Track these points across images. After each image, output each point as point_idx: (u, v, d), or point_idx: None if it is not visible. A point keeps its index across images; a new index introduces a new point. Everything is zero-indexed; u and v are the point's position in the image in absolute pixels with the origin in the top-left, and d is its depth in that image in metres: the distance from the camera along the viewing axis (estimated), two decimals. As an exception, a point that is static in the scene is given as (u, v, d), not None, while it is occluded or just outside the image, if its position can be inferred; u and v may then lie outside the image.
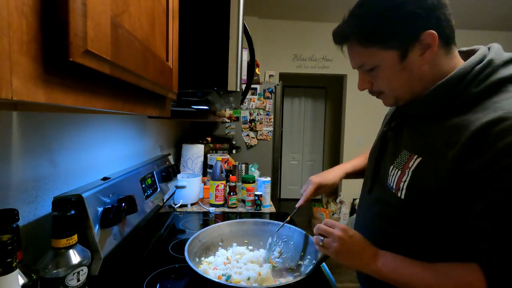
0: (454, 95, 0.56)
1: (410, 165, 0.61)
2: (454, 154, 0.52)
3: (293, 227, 0.95)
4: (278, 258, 0.94)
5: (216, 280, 0.72)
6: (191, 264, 0.74)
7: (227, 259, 0.88)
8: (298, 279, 0.71)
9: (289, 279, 0.81)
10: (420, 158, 0.59)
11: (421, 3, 0.54)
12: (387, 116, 0.82)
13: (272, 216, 1.49)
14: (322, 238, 0.66)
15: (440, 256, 0.59)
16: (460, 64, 0.59)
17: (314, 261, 0.80)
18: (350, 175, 0.98)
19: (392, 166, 0.66)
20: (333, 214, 3.67)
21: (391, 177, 0.66)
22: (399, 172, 0.63)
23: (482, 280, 0.49)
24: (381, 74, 0.62)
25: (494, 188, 0.48)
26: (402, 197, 0.61)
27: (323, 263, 0.86)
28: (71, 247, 0.49)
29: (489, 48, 0.59)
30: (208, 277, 0.71)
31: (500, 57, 0.55)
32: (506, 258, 0.47)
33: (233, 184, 1.56)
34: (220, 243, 0.98)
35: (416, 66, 0.59)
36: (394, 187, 0.64)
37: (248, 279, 0.77)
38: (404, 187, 0.61)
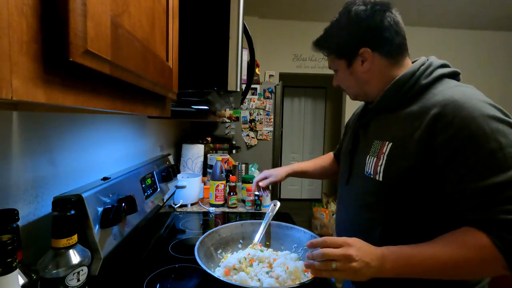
0: (408, 87, 0.70)
1: (384, 151, 0.71)
2: (420, 134, 0.63)
3: (318, 238, 0.91)
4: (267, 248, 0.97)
5: (222, 278, 0.72)
6: (198, 260, 0.74)
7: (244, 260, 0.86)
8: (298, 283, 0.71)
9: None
10: (391, 143, 0.70)
11: (360, 27, 0.72)
12: (353, 116, 1.00)
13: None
14: (334, 266, 0.59)
15: (421, 233, 0.64)
16: (392, 72, 0.75)
17: None
18: (297, 174, 1.21)
19: (368, 156, 0.76)
20: (333, 215, 3.67)
21: (368, 165, 0.75)
22: (375, 158, 0.73)
23: (485, 237, 0.53)
24: (339, 76, 0.83)
25: (462, 157, 0.57)
26: (380, 179, 0.70)
27: None
28: (71, 247, 0.49)
29: (427, 58, 0.75)
30: (214, 274, 0.70)
31: (436, 61, 0.73)
32: (492, 209, 0.54)
33: (233, 184, 1.56)
34: (241, 241, 0.99)
35: (359, 72, 0.77)
36: (372, 172, 0.73)
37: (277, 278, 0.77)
38: (381, 170, 0.70)
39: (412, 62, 0.76)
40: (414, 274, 0.58)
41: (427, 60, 0.73)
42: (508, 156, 0.54)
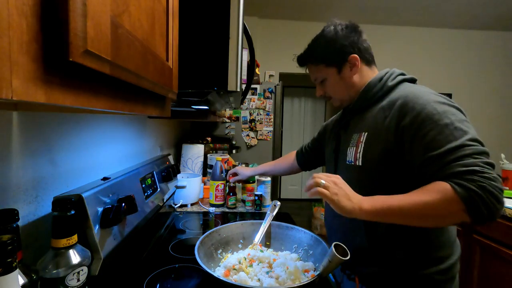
0: (378, 88, 0.85)
1: (361, 140, 0.83)
2: (389, 120, 0.77)
3: (319, 238, 0.90)
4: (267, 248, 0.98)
5: (222, 278, 0.72)
6: (198, 259, 0.74)
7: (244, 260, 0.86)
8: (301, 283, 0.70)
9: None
10: (367, 133, 0.82)
11: (346, 39, 0.87)
12: (331, 122, 1.14)
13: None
14: (324, 182, 0.72)
15: None
16: (368, 76, 0.91)
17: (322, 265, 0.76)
18: (268, 174, 1.46)
19: (348, 148, 0.88)
20: (333, 214, 3.67)
21: (349, 155, 0.87)
22: (354, 148, 0.85)
23: (446, 184, 0.63)
24: (328, 84, 0.92)
25: (424, 131, 0.70)
26: (360, 164, 0.81)
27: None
28: (71, 247, 0.49)
29: (389, 69, 0.90)
30: (214, 274, 0.70)
31: (396, 70, 0.89)
32: (450, 166, 0.65)
33: (233, 184, 1.56)
34: (241, 241, 0.99)
35: (348, 77, 0.89)
36: (352, 160, 0.85)
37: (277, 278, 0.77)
38: (360, 156, 0.82)
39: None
40: (389, 215, 0.68)
41: (390, 70, 0.90)
42: (457, 128, 0.67)
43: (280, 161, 1.42)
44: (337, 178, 0.74)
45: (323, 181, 0.72)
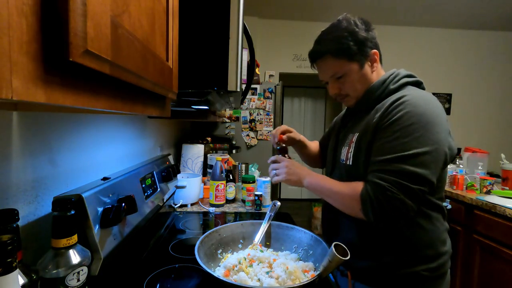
0: (380, 92, 0.84)
1: (353, 140, 0.85)
2: (374, 121, 0.79)
3: (319, 239, 0.91)
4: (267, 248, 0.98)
5: (222, 278, 0.71)
6: (199, 259, 0.74)
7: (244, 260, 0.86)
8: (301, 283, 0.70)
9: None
10: (358, 133, 0.84)
11: (367, 33, 0.83)
12: (339, 119, 1.12)
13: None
14: (275, 171, 0.96)
15: None
16: (382, 75, 0.90)
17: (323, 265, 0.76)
18: (302, 145, 1.20)
19: (343, 147, 0.91)
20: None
21: (342, 154, 0.90)
22: (347, 147, 0.88)
23: (362, 186, 0.76)
24: (348, 80, 0.86)
25: (381, 135, 0.76)
26: (350, 163, 0.85)
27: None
28: (71, 247, 0.49)
29: (396, 70, 0.89)
30: (214, 274, 0.70)
31: (403, 72, 0.87)
32: (375, 174, 0.74)
33: (283, 145, 1.12)
34: (241, 241, 0.99)
35: (368, 74, 0.86)
36: (344, 159, 0.88)
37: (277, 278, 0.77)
38: (351, 156, 0.85)
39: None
40: (317, 192, 0.87)
41: (396, 71, 0.88)
42: (404, 143, 0.72)
43: (316, 146, 1.25)
44: (286, 161, 0.95)
45: (274, 171, 0.96)
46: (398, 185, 0.70)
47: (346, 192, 0.79)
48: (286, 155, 1.05)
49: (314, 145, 1.25)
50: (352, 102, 0.91)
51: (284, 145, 1.09)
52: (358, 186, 0.77)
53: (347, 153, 0.87)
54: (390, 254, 0.80)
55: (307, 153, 1.22)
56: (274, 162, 0.99)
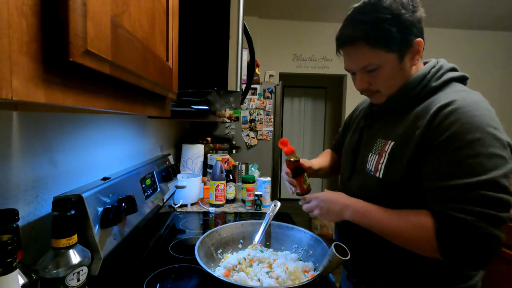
0: (419, 89, 0.70)
1: (386, 149, 0.72)
2: (419, 133, 0.65)
3: (319, 239, 0.90)
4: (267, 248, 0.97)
5: (222, 278, 0.71)
6: (199, 259, 0.74)
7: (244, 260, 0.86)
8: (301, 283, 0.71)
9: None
10: (393, 142, 0.71)
11: (414, 16, 0.66)
12: (357, 110, 0.97)
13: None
14: (312, 214, 0.83)
15: None
16: (420, 68, 0.74)
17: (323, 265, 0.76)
18: (314, 174, 1.01)
19: (370, 154, 0.77)
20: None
21: (369, 162, 0.77)
22: (377, 156, 0.74)
23: (431, 221, 0.61)
24: (382, 74, 0.70)
25: (440, 155, 0.62)
26: (380, 176, 0.72)
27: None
28: (71, 247, 0.49)
29: (437, 61, 0.75)
30: (214, 274, 0.70)
31: (446, 64, 0.73)
32: (447, 205, 0.60)
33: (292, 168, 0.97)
34: (241, 241, 0.99)
35: (408, 67, 0.71)
36: (372, 169, 0.74)
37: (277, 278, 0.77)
38: (382, 167, 0.72)
39: (424, 63, 0.77)
40: (365, 225, 0.71)
41: (438, 62, 0.74)
42: (478, 163, 0.58)
43: (328, 159, 1.08)
44: (314, 200, 0.82)
45: (313, 213, 0.83)
46: (485, 216, 0.56)
47: (413, 232, 0.63)
48: (302, 178, 0.89)
49: (324, 162, 1.06)
50: (382, 100, 0.76)
51: (293, 159, 0.88)
52: (426, 222, 0.61)
53: (376, 163, 0.73)
54: (424, 273, 0.70)
55: (321, 175, 1.05)
56: (304, 201, 0.86)
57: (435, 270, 0.69)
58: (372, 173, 0.74)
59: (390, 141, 0.72)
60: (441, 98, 0.66)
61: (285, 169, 0.92)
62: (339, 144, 1.07)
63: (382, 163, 0.71)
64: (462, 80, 0.73)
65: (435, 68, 0.71)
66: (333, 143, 1.14)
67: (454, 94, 0.65)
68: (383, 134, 0.76)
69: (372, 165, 0.75)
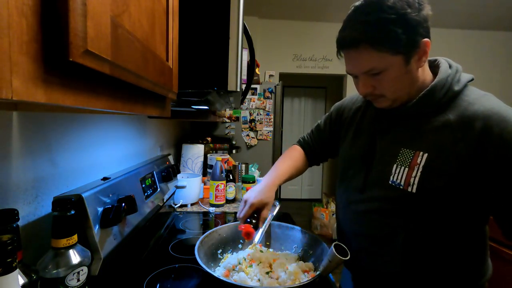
0: (443, 93, 0.67)
1: (418, 161, 0.66)
2: (464, 147, 0.61)
3: (319, 238, 0.90)
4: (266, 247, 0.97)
5: (222, 278, 0.71)
6: (199, 259, 0.74)
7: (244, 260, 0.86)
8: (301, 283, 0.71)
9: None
10: (427, 154, 0.65)
11: (419, 13, 0.61)
12: (350, 111, 0.91)
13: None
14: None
15: (445, 237, 0.67)
16: (428, 71, 0.71)
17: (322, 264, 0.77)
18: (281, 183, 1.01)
19: (395, 165, 0.70)
20: (332, 214, 3.67)
21: (396, 174, 0.70)
22: (406, 169, 0.68)
23: None
24: (387, 78, 0.65)
25: None
26: (414, 191, 0.66)
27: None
28: (71, 247, 0.49)
29: (445, 60, 0.72)
30: (214, 274, 0.70)
31: (457, 65, 0.71)
32: None
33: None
34: (241, 241, 0.98)
35: (414, 70, 0.66)
36: (402, 183, 0.68)
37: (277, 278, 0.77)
38: (415, 182, 0.66)
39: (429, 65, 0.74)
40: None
41: (452, 63, 0.71)
42: None
43: (292, 162, 1.06)
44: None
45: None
46: None
47: None
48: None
49: (292, 170, 1.03)
50: (386, 104, 0.71)
51: (254, 220, 0.88)
52: None
53: (407, 177, 0.67)
54: (442, 283, 0.69)
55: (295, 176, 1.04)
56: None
57: (435, 270, 0.69)
58: (401, 187, 0.68)
59: (421, 153, 0.66)
60: (475, 107, 0.63)
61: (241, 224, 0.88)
62: (317, 144, 1.01)
63: (415, 177, 0.66)
64: (471, 81, 0.72)
65: (453, 69, 0.68)
66: (308, 140, 1.07)
67: (485, 101, 0.63)
68: (408, 143, 0.69)
69: (401, 178, 0.68)
